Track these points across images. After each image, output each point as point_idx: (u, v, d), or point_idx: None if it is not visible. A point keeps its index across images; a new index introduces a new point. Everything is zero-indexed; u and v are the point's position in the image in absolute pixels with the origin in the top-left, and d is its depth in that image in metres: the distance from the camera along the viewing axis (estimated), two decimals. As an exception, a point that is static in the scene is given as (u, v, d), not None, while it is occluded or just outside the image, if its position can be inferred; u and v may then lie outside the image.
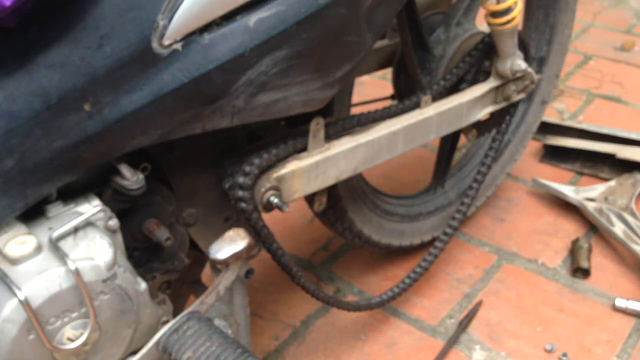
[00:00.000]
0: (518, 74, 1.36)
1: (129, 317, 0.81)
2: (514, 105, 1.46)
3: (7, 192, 0.73)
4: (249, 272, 0.99)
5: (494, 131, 1.51)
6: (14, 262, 0.72)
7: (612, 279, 1.55)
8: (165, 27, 0.76)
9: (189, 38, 0.79)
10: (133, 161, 0.87)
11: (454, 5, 1.43)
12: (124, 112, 0.77)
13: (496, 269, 1.60)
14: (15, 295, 0.70)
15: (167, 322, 0.87)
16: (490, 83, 1.38)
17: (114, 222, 0.82)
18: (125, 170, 0.84)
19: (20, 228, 0.76)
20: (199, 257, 1.14)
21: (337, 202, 1.31)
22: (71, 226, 0.76)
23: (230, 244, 0.85)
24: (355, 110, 1.27)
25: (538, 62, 1.67)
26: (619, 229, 1.60)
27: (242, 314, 1.00)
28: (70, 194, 0.82)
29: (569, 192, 1.71)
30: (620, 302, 1.45)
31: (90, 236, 0.77)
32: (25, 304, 0.70)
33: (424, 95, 1.26)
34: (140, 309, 0.83)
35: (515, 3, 1.27)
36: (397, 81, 1.56)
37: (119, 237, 0.84)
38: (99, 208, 0.80)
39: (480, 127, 1.50)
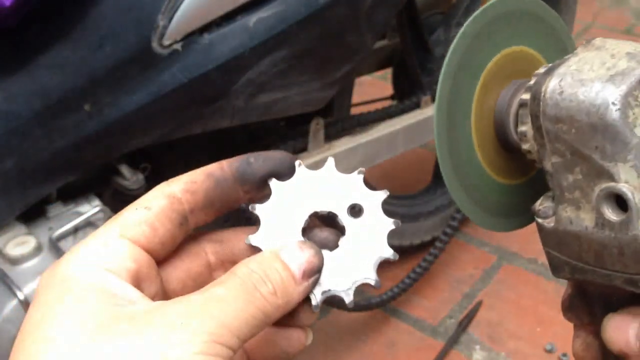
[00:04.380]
0: (518, 74, 1.36)
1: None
2: (514, 105, 1.46)
3: (7, 192, 0.73)
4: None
5: (494, 131, 1.51)
6: (14, 262, 0.72)
7: (612, 279, 1.55)
8: (165, 27, 0.77)
9: (189, 38, 0.79)
10: (133, 161, 0.87)
11: (454, 5, 1.43)
12: (124, 112, 0.77)
13: (496, 269, 1.60)
14: (15, 295, 0.70)
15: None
16: (490, 83, 1.37)
17: (114, 222, 0.82)
18: (125, 170, 0.84)
19: (20, 228, 0.76)
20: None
21: (337, 202, 1.31)
22: (71, 226, 0.76)
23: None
24: (355, 110, 1.27)
25: (538, 62, 1.67)
26: (618, 229, 1.60)
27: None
28: (70, 194, 0.82)
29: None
30: (620, 302, 1.45)
31: (90, 236, 0.77)
32: (26, 303, 0.70)
33: (424, 95, 1.26)
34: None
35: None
36: (397, 81, 1.56)
37: (119, 237, 0.84)
38: (99, 208, 0.80)
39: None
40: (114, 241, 0.35)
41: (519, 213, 0.46)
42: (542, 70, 0.39)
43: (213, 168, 0.38)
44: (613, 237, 0.36)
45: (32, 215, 0.78)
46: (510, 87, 0.43)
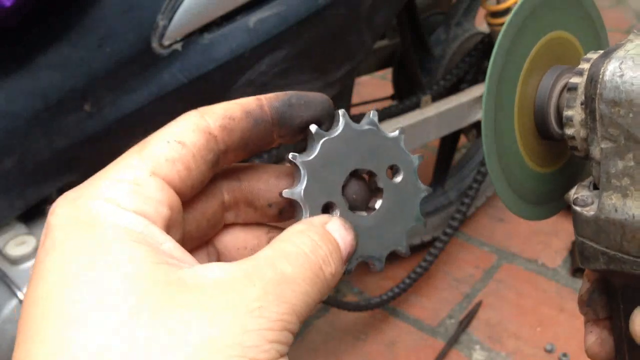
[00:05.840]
0: (518, 74, 1.36)
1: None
2: (514, 105, 1.46)
3: (7, 192, 0.73)
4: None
5: (494, 131, 1.51)
6: (14, 262, 0.72)
7: (612, 279, 1.54)
8: (165, 28, 0.77)
9: (189, 38, 0.79)
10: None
11: (454, 6, 1.43)
12: (124, 112, 0.77)
13: (496, 269, 1.60)
14: (15, 295, 0.70)
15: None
16: (490, 83, 1.37)
17: (114, 222, 0.82)
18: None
19: (20, 228, 0.76)
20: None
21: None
22: (71, 226, 0.76)
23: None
24: (355, 110, 1.27)
25: (538, 62, 1.67)
26: (618, 229, 1.60)
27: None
28: (70, 194, 0.82)
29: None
30: (620, 302, 1.45)
31: (90, 236, 0.77)
32: (25, 304, 0.70)
33: (424, 95, 1.26)
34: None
35: (515, 3, 1.27)
36: (397, 81, 1.56)
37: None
38: (99, 208, 0.80)
39: (480, 127, 1.50)
40: (146, 180, 0.30)
41: (546, 202, 0.45)
42: (593, 54, 0.39)
43: (251, 105, 0.33)
44: None
45: (32, 215, 0.78)
46: (552, 72, 0.43)
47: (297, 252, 0.30)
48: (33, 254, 0.73)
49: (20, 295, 0.70)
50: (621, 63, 0.36)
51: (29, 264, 0.73)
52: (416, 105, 1.26)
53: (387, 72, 1.57)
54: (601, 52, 0.38)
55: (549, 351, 1.37)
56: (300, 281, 0.29)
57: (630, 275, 0.38)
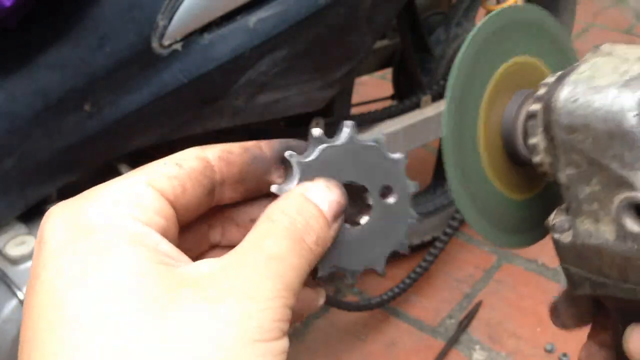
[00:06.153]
0: (518, 74, 1.36)
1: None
2: (514, 106, 1.46)
3: (7, 192, 0.73)
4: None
5: (494, 131, 1.51)
6: (14, 262, 0.72)
7: (612, 279, 1.54)
8: (165, 27, 0.77)
9: (189, 38, 0.79)
10: (133, 161, 0.87)
11: (454, 6, 1.43)
12: (124, 112, 0.77)
13: (496, 269, 1.60)
14: (15, 295, 0.70)
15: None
16: (490, 83, 1.37)
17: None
18: (125, 170, 0.84)
19: (20, 228, 0.76)
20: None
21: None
22: (71, 226, 0.76)
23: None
24: (355, 110, 1.27)
25: (538, 62, 1.67)
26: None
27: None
28: (70, 194, 0.82)
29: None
30: (620, 302, 1.45)
31: (90, 236, 0.77)
32: (25, 304, 0.70)
33: (424, 95, 1.26)
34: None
35: (515, 4, 1.26)
36: (397, 81, 1.56)
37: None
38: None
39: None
40: (142, 189, 0.31)
41: (531, 228, 0.45)
42: (550, 79, 0.38)
43: (250, 144, 0.35)
44: (636, 249, 0.34)
45: (32, 215, 0.78)
46: (516, 98, 0.42)
47: (276, 228, 0.31)
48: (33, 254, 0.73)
49: (20, 295, 0.70)
50: (574, 88, 0.35)
51: (29, 264, 0.73)
52: (416, 105, 1.26)
53: (387, 72, 1.56)
54: (558, 75, 0.38)
55: (549, 351, 1.37)
56: (287, 255, 0.30)
57: (615, 299, 0.38)
